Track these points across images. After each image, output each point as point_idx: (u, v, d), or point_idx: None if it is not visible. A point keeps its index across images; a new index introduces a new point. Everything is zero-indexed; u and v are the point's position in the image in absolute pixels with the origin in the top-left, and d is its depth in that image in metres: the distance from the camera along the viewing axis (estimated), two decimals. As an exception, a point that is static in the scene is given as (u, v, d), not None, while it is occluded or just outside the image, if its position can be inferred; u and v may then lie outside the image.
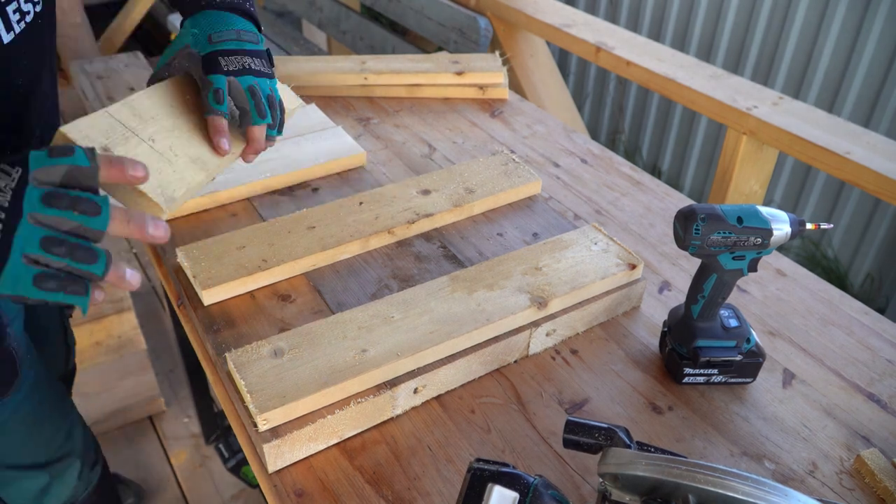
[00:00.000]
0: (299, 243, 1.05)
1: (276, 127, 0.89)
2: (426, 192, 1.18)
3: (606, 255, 1.03)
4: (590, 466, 0.81)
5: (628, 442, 0.63)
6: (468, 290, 0.96)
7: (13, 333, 0.98)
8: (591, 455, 0.82)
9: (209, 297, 0.98)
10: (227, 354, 0.86)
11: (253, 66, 0.86)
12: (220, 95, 0.83)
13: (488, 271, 1.00)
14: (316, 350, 0.86)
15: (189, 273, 1.01)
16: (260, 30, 0.91)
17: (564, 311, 0.96)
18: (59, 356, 1.30)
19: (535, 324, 0.94)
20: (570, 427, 0.65)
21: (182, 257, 1.02)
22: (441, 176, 1.23)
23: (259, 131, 0.87)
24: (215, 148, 0.84)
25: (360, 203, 1.15)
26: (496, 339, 0.92)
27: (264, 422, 0.79)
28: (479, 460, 0.59)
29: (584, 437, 0.64)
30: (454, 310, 0.93)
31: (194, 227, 1.16)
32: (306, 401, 0.80)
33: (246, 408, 0.81)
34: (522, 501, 0.55)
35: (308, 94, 1.58)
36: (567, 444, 0.65)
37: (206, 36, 0.84)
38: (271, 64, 0.91)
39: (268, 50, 0.91)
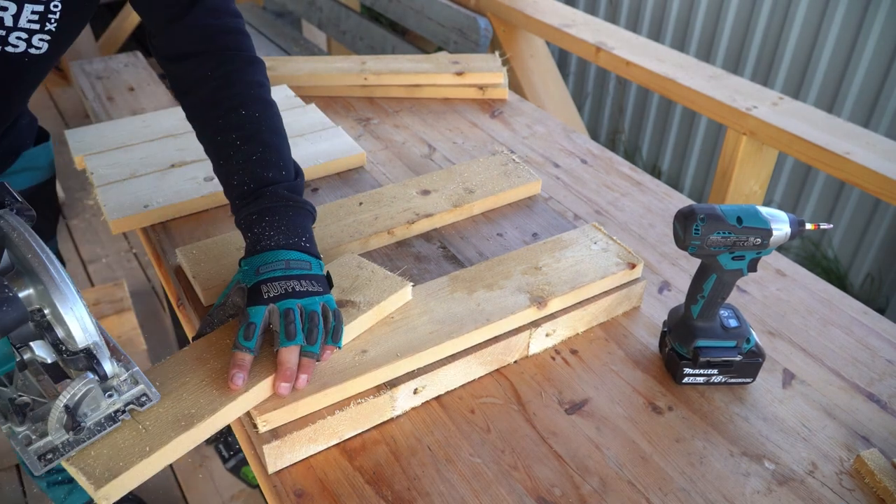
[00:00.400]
0: (299, 243, 1.05)
1: (330, 336, 0.81)
2: (426, 193, 1.18)
3: (606, 255, 1.03)
4: (589, 467, 0.81)
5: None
6: (468, 290, 0.96)
7: None
8: (589, 454, 0.82)
9: (209, 297, 0.98)
10: (226, 355, 0.85)
11: (297, 287, 0.82)
12: (251, 331, 0.79)
13: (488, 271, 1.00)
14: (316, 350, 0.86)
15: (189, 273, 1.01)
16: (318, 257, 0.89)
17: (564, 311, 0.96)
18: None
19: (535, 324, 0.94)
20: None
21: (182, 258, 1.02)
22: (441, 176, 1.23)
23: (285, 354, 0.78)
24: (228, 383, 0.77)
25: (360, 203, 1.15)
26: (496, 339, 0.92)
27: (264, 423, 0.78)
28: None
29: None
30: (454, 310, 0.93)
31: (194, 227, 1.16)
32: (306, 401, 0.80)
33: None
34: None
35: (308, 95, 1.58)
36: None
37: (255, 269, 0.84)
38: (330, 284, 0.88)
39: (327, 273, 0.89)
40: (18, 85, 0.99)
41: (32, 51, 0.92)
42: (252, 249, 0.86)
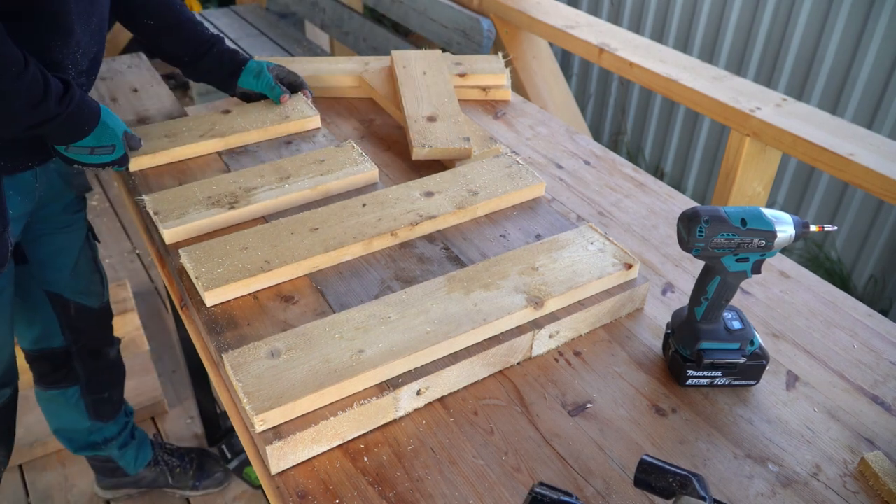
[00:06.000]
0: (302, 245, 1.05)
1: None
2: (429, 195, 1.18)
3: (603, 255, 1.03)
4: (593, 469, 0.81)
5: (703, 494, 0.61)
6: (465, 291, 0.96)
7: (12, 231, 1.15)
8: (592, 456, 0.82)
9: (212, 298, 0.98)
10: (224, 356, 0.86)
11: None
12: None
13: (485, 271, 1.00)
14: (313, 351, 0.86)
15: (192, 274, 1.01)
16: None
17: (567, 312, 0.96)
18: (95, 288, 1.50)
19: (538, 325, 0.94)
20: (644, 468, 0.64)
21: (185, 258, 1.02)
22: (444, 178, 1.23)
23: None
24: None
25: (363, 205, 1.15)
26: (499, 340, 0.92)
27: (261, 422, 0.78)
28: (542, 485, 0.58)
29: (657, 480, 0.63)
30: (451, 310, 0.93)
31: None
32: (303, 401, 0.80)
33: (244, 408, 0.81)
34: None
35: (311, 96, 1.58)
36: (638, 483, 0.64)
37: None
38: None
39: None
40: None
41: None
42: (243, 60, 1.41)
